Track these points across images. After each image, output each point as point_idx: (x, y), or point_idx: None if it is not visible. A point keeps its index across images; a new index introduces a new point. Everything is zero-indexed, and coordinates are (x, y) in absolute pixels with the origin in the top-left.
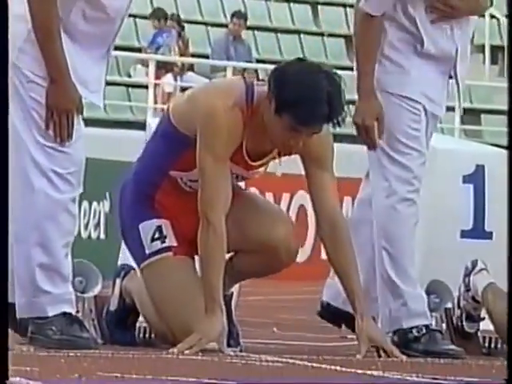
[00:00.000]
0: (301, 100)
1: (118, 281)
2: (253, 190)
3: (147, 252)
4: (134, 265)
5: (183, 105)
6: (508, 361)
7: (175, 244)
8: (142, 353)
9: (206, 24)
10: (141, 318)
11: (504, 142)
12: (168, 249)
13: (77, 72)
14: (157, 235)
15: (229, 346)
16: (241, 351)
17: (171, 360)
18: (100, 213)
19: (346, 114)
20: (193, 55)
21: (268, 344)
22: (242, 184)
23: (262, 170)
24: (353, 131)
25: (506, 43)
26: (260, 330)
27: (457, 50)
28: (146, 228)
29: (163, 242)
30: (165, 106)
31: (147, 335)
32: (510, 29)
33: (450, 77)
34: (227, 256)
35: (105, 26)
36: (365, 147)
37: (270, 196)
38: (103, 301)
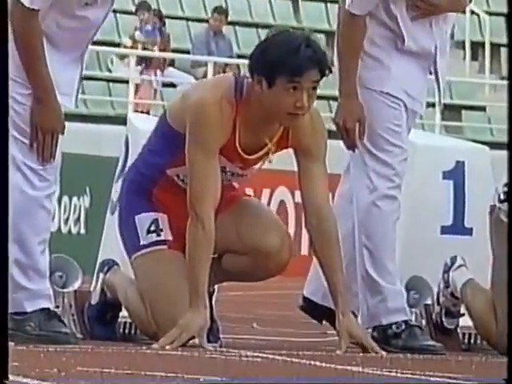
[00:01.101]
0: (284, 54)
1: (100, 275)
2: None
3: (142, 243)
4: (124, 254)
5: (177, 103)
6: (508, 361)
7: (170, 238)
8: (122, 348)
9: (186, 19)
10: (122, 313)
11: (484, 137)
12: (163, 242)
13: None
14: (153, 228)
15: (209, 341)
16: (221, 346)
17: (151, 355)
18: (80, 208)
19: (332, 61)
20: (174, 50)
21: (248, 339)
22: (235, 184)
23: (257, 166)
24: None
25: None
26: (240, 326)
27: (436, 47)
28: (143, 220)
29: (158, 234)
30: (146, 101)
31: (127, 330)
32: (509, 27)
33: (430, 73)
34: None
35: (79, 34)
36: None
37: (250, 191)
38: (83, 296)
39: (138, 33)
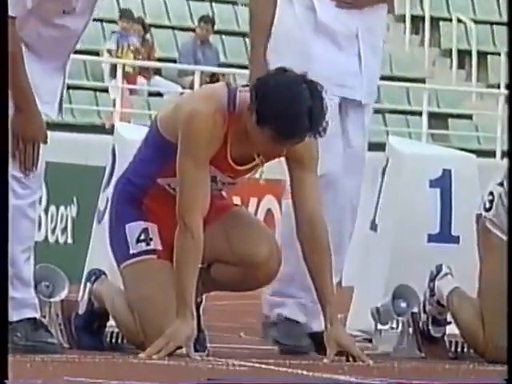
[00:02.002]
0: (281, 114)
1: (88, 285)
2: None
3: (131, 252)
4: (113, 263)
5: (169, 113)
6: (508, 361)
7: (160, 248)
8: (109, 357)
9: (173, 28)
10: (109, 323)
11: (470, 145)
12: (152, 251)
13: None
14: (142, 237)
15: (196, 350)
16: (208, 356)
17: (137, 364)
18: (67, 217)
19: (328, 123)
20: (160, 59)
21: (235, 348)
22: (224, 193)
23: (248, 175)
24: None
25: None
26: (227, 335)
27: (358, 31)
28: (133, 229)
29: (148, 244)
30: (131, 111)
31: (114, 340)
32: (510, 36)
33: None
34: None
35: (60, 43)
36: None
37: (237, 200)
38: (70, 305)
39: (113, 38)
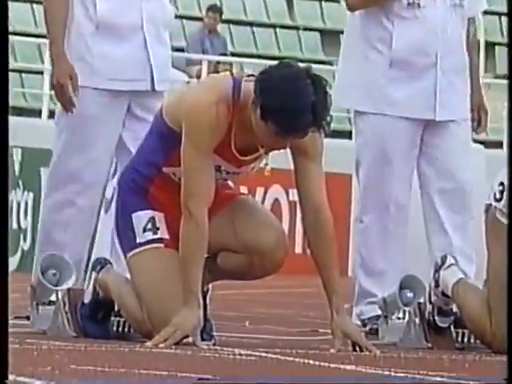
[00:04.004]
0: (285, 109)
1: (93, 274)
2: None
3: (138, 241)
4: (120, 252)
5: (174, 102)
6: (508, 361)
7: (167, 236)
8: (115, 346)
9: (181, 17)
10: (115, 312)
11: (478, 136)
12: (159, 240)
13: None
14: (149, 226)
15: (202, 339)
16: (214, 345)
17: (144, 353)
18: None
19: (332, 118)
20: None
21: (241, 338)
22: (230, 182)
23: (253, 165)
24: (338, 126)
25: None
26: (233, 324)
27: (143, 18)
28: (140, 218)
29: (155, 233)
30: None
31: (121, 329)
32: (510, 27)
33: None
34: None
35: None
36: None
37: (244, 189)
38: (76, 294)
39: None
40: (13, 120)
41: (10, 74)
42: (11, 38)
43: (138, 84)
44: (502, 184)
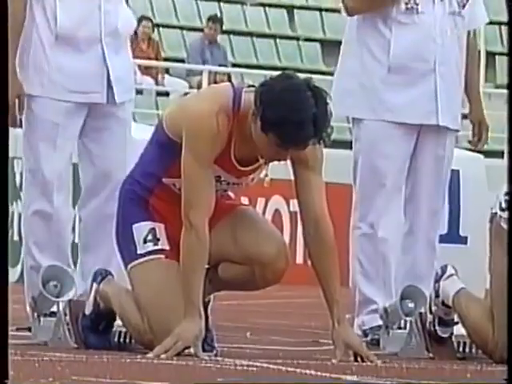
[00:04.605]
0: (285, 122)
1: (94, 285)
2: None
3: (138, 252)
4: (121, 263)
5: (174, 112)
6: (508, 361)
7: (167, 248)
8: (117, 357)
9: (181, 28)
10: (116, 323)
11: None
12: (160, 251)
13: None
14: (150, 237)
15: (204, 350)
16: (215, 355)
17: (146, 364)
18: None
19: (332, 130)
20: (168, 59)
21: (242, 348)
22: (231, 193)
23: (253, 176)
24: (338, 137)
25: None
26: (234, 335)
27: (102, 31)
28: (140, 229)
29: (155, 244)
30: (139, 110)
31: (122, 340)
32: (510, 37)
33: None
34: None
35: None
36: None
37: (245, 200)
38: (77, 305)
39: None
40: (14, 132)
41: None
42: None
43: (93, 96)
44: (508, 193)
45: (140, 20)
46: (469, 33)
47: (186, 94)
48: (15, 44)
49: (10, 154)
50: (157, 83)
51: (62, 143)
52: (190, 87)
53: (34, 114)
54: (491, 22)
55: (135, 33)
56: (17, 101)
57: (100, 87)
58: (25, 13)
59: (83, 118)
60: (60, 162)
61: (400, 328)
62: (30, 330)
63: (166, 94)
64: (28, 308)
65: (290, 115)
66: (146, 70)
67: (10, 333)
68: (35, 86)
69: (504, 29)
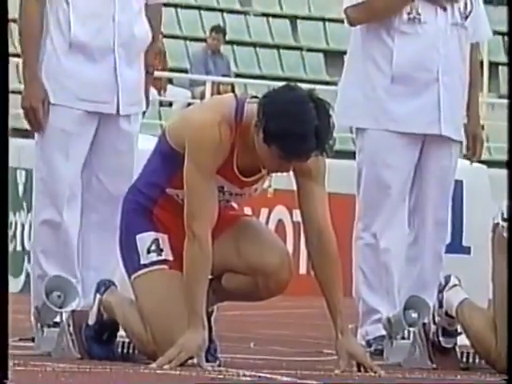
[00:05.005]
0: (288, 134)
1: (97, 296)
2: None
3: (142, 262)
4: (124, 273)
5: (177, 123)
6: (508, 361)
7: (171, 258)
8: (120, 367)
9: (185, 38)
10: (119, 333)
11: (482, 156)
12: (163, 262)
13: None
14: (153, 247)
15: (207, 360)
16: (219, 366)
17: (149, 374)
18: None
19: (335, 141)
20: (172, 69)
21: (246, 359)
22: (234, 203)
23: (256, 186)
24: (342, 147)
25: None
26: (238, 345)
27: (115, 42)
28: (144, 239)
29: (159, 254)
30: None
31: (125, 350)
32: (510, 47)
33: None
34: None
35: None
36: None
37: (248, 210)
38: (81, 315)
39: None
40: (17, 142)
41: (15, 96)
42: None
43: (104, 106)
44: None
45: None
46: (471, 46)
47: (189, 104)
48: (36, 52)
49: (13, 165)
50: (159, 94)
51: (74, 153)
52: (193, 97)
53: (47, 122)
54: (494, 32)
55: None
56: (41, 106)
57: (110, 97)
58: (42, 21)
59: (95, 128)
60: (72, 171)
61: (403, 338)
62: (33, 340)
63: (169, 104)
64: (32, 318)
65: (293, 127)
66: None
67: (14, 343)
68: (48, 93)
69: (507, 38)
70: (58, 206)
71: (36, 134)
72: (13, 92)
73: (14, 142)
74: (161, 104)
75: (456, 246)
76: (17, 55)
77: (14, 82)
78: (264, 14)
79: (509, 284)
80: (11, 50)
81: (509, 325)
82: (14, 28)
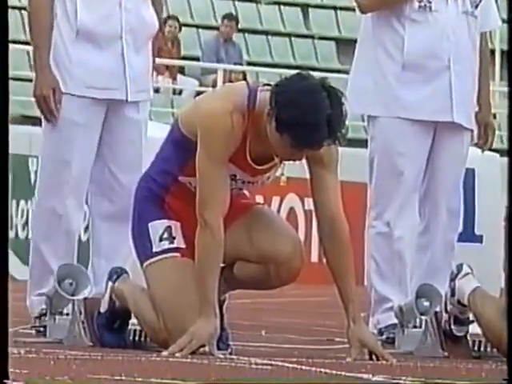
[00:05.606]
0: (300, 123)
1: (109, 283)
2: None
3: (154, 250)
4: (136, 261)
5: (189, 111)
6: (508, 361)
7: (183, 246)
8: (132, 355)
9: (197, 26)
10: (131, 321)
11: (494, 145)
12: (175, 250)
13: None
14: (165, 235)
15: (219, 348)
16: (230, 354)
17: (160, 362)
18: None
19: (347, 130)
20: (183, 57)
21: (257, 347)
22: (246, 191)
23: (269, 175)
24: (354, 135)
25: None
26: (249, 333)
27: (122, 28)
28: (156, 227)
29: (171, 242)
30: (154, 109)
31: (137, 338)
32: (510, 34)
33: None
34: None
35: None
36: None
37: (260, 199)
38: (93, 303)
39: None
40: (28, 130)
41: (25, 84)
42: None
43: (113, 93)
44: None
45: (166, 20)
46: (481, 35)
47: (198, 93)
48: (46, 40)
49: (25, 152)
50: (173, 82)
51: (80, 143)
52: (201, 85)
53: (59, 111)
54: (506, 21)
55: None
56: (51, 94)
57: (118, 84)
58: (52, 9)
59: (103, 118)
60: (77, 161)
61: (415, 327)
62: (44, 328)
63: (179, 92)
64: (28, 304)
65: (305, 117)
66: (166, 69)
67: (24, 331)
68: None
69: None
70: (61, 195)
71: (43, 122)
72: (25, 80)
73: (25, 130)
74: (174, 92)
75: (468, 234)
76: (29, 43)
77: (27, 70)
78: (276, 2)
79: (509, 284)
80: (23, 37)
81: (509, 325)
82: (26, 16)
